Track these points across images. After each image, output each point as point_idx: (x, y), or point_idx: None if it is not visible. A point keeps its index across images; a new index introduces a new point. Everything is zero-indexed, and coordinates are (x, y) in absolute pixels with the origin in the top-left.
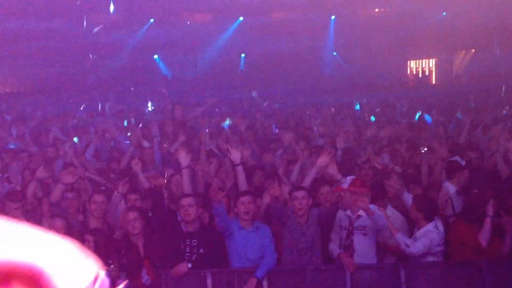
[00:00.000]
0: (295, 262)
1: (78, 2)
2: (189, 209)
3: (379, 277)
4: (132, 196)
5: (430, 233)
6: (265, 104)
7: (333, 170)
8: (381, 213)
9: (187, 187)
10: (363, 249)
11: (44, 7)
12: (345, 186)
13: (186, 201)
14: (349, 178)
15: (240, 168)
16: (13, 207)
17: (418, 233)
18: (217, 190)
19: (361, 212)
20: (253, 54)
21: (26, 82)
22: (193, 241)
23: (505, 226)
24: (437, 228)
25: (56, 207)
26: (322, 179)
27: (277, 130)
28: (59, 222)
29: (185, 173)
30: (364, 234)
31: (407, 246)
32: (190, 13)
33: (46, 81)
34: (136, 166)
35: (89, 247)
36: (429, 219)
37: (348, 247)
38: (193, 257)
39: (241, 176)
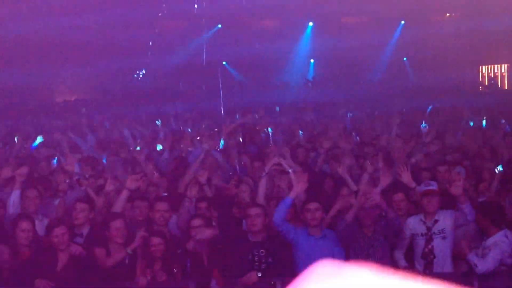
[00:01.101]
0: None
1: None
2: (256, 219)
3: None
4: (202, 204)
5: (500, 244)
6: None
7: (407, 178)
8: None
9: (261, 196)
10: (444, 254)
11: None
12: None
13: (253, 211)
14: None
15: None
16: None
17: (487, 243)
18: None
19: (437, 216)
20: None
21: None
22: (261, 251)
23: None
24: (507, 238)
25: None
26: (395, 186)
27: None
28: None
29: (263, 181)
30: (443, 238)
31: (476, 266)
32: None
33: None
34: (202, 177)
35: (156, 252)
36: (498, 227)
37: (429, 254)
38: (262, 266)
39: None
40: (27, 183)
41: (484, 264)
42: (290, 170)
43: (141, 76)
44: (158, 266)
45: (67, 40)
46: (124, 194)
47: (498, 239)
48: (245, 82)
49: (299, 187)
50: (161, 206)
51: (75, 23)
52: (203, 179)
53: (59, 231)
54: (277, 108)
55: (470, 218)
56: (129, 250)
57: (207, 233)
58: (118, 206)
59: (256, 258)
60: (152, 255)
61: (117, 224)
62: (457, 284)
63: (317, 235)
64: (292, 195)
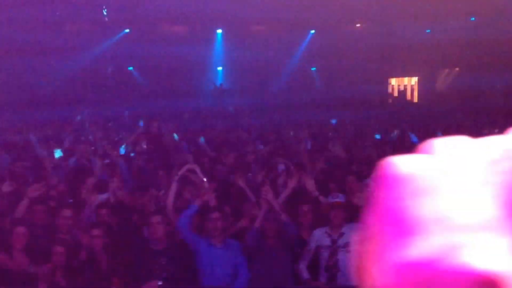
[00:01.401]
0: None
1: None
2: (157, 226)
3: None
4: (102, 211)
5: None
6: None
7: (310, 186)
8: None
9: (170, 201)
10: (348, 268)
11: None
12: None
13: (155, 219)
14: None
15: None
16: None
17: None
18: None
19: (343, 230)
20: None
21: None
22: (162, 259)
23: None
24: None
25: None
26: (302, 197)
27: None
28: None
29: (173, 187)
30: (348, 252)
31: None
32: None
33: None
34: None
35: (58, 261)
36: None
37: (333, 267)
38: (163, 274)
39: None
40: None
41: None
42: (204, 179)
43: (43, 82)
44: (60, 273)
45: None
46: (25, 202)
47: None
48: (151, 88)
49: (207, 196)
50: (65, 212)
51: None
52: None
53: None
54: (186, 116)
55: None
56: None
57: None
58: (18, 213)
59: (156, 266)
60: (54, 263)
61: (19, 230)
62: None
63: (218, 245)
64: (197, 202)
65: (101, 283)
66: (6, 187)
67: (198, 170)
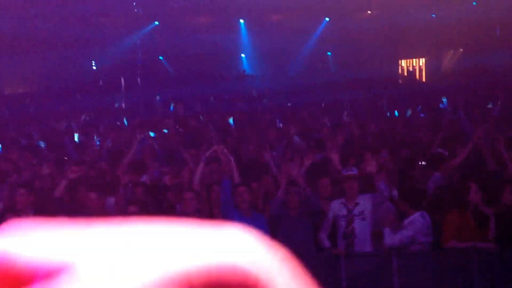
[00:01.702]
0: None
1: None
2: (190, 202)
3: (373, 264)
4: (139, 189)
5: (415, 223)
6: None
7: (336, 160)
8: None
9: (197, 180)
10: (364, 234)
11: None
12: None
13: (188, 195)
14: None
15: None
16: None
17: (405, 222)
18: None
19: (358, 199)
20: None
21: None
22: None
23: (489, 215)
24: (423, 218)
25: None
26: (323, 171)
27: (281, 125)
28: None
29: (200, 167)
30: (363, 219)
31: (384, 239)
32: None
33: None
34: None
35: None
36: (416, 209)
37: (350, 235)
38: None
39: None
40: None
41: (390, 239)
42: (231, 158)
43: (94, 68)
44: None
45: (14, 32)
46: (64, 182)
47: (413, 218)
48: (180, 75)
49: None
50: (92, 195)
51: (20, 16)
52: None
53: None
54: (211, 99)
55: (386, 194)
56: None
57: None
58: (57, 192)
59: None
60: None
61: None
62: (377, 263)
63: (247, 217)
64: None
65: None
66: (45, 170)
67: (224, 150)
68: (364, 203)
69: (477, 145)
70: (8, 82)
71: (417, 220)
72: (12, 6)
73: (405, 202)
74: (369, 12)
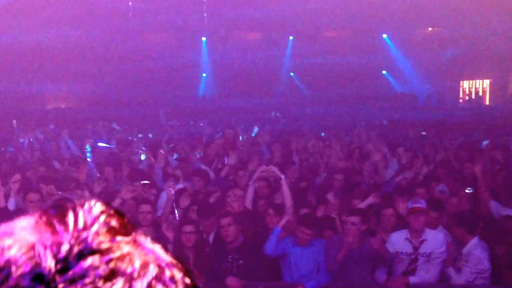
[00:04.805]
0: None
1: None
2: (228, 228)
3: None
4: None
5: (475, 251)
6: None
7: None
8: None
9: (248, 202)
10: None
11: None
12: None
13: (225, 221)
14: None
15: (284, 182)
16: None
17: (464, 250)
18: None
19: (425, 236)
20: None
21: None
22: (235, 256)
23: None
24: (481, 245)
25: None
26: (387, 202)
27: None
28: None
29: (251, 188)
30: (428, 261)
31: (451, 278)
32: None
33: None
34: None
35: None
36: (472, 234)
37: (410, 274)
38: (234, 270)
39: (286, 190)
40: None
41: (459, 277)
42: (282, 177)
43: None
44: None
45: (62, 50)
46: (117, 202)
47: (472, 246)
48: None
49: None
50: (145, 208)
51: (69, 34)
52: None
53: None
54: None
55: None
56: None
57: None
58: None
59: (229, 265)
60: None
61: None
62: None
63: (305, 245)
64: (281, 224)
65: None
66: (97, 188)
67: (275, 169)
68: (434, 241)
69: None
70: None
71: (475, 248)
72: (60, 25)
73: (459, 228)
74: (430, 29)
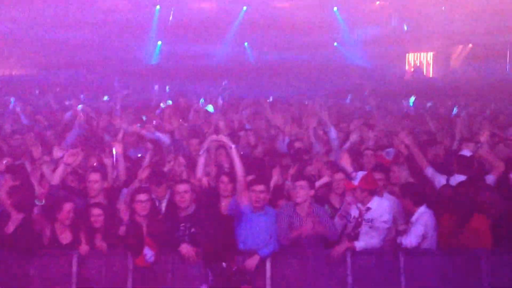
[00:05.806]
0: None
1: None
2: (184, 195)
3: (379, 262)
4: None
5: (422, 217)
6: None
7: (345, 163)
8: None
9: (200, 172)
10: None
11: None
12: (355, 182)
13: (182, 187)
14: (360, 174)
15: (234, 151)
16: None
17: (413, 219)
18: None
19: (371, 204)
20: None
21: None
22: (187, 224)
23: None
24: (428, 210)
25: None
26: (337, 167)
27: None
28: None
29: (202, 158)
30: (370, 227)
31: (401, 244)
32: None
33: None
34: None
35: (96, 222)
36: (419, 204)
37: (353, 238)
38: (186, 238)
39: (237, 158)
40: None
41: (407, 241)
42: (232, 146)
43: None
44: (99, 236)
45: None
46: (61, 167)
47: (420, 213)
48: None
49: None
50: (93, 176)
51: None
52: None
53: None
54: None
55: None
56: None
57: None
58: (55, 179)
59: (182, 233)
60: (92, 225)
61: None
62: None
63: (260, 212)
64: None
65: (139, 247)
66: (56, 153)
67: (225, 138)
68: (379, 209)
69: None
70: None
71: (423, 212)
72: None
73: (406, 199)
74: (377, 3)
